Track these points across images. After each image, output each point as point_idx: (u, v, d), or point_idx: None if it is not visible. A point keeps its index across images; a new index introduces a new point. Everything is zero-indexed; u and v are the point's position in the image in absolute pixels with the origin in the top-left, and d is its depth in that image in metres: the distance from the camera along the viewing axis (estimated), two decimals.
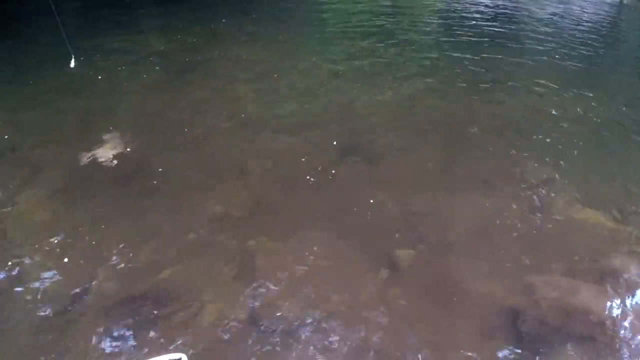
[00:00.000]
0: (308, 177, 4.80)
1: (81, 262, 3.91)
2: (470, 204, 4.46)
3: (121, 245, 4.05)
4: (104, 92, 6.73)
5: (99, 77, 7.12)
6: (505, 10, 11.11)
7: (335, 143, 5.32)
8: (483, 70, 7.40)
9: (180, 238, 4.14)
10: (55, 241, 4.12)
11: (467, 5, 11.29)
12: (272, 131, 5.65)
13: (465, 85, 6.85)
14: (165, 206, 4.52)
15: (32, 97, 6.57)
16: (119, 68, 7.41)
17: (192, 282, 3.72)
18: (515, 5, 11.70)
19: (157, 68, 7.44)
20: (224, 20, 9.81)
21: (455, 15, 10.57)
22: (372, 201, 4.47)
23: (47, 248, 4.06)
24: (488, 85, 6.89)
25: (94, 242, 4.10)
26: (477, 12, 10.77)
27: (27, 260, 3.95)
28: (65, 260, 3.92)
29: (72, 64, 6.37)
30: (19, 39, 9.03)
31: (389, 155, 5.20)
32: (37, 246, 4.08)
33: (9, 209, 4.52)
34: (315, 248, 4.00)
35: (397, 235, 4.11)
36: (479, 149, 5.32)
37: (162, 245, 4.07)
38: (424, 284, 3.70)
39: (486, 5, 11.36)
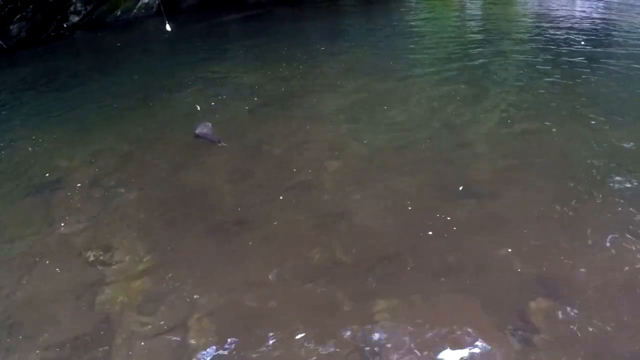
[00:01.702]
0: (421, 223, 4.28)
1: (173, 314, 3.57)
2: (602, 252, 3.85)
3: (217, 297, 3.68)
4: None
5: (197, 108, 6.95)
6: (600, 25, 10.38)
7: (461, 188, 4.70)
8: (588, 93, 6.70)
9: (283, 290, 3.71)
10: (146, 290, 3.82)
11: (558, 25, 10.61)
12: (378, 171, 5.16)
13: (573, 112, 6.19)
14: (263, 252, 4.10)
15: (127, 137, 6.40)
16: (218, 97, 7.23)
17: (302, 345, 3.27)
18: (607, 19, 10.92)
19: (256, 99, 7.14)
20: (321, 48, 9.56)
21: (547, 34, 9.97)
22: (494, 250, 3.94)
23: (137, 296, 3.76)
24: (597, 110, 6.17)
25: (187, 291, 3.75)
26: (570, 29, 10.09)
27: (115, 307, 3.67)
28: (158, 310, 3.59)
29: (168, 27, 6.55)
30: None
31: (506, 197, 4.60)
32: (127, 292, 3.79)
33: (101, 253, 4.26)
34: (437, 305, 3.50)
35: (526, 290, 3.56)
36: (605, 188, 4.63)
37: (263, 298, 3.65)
38: (561, 343, 3.18)
39: (579, 22, 10.67)
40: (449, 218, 4.36)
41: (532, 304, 3.46)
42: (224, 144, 5.83)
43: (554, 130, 5.78)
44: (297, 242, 4.23)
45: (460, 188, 4.74)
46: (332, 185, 5.00)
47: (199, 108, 7.00)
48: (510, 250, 3.95)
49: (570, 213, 4.36)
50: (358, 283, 3.74)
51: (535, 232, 4.15)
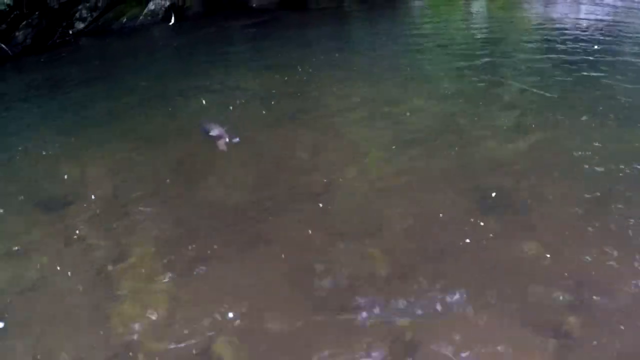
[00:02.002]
0: (452, 232, 4.16)
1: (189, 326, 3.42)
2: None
3: (241, 312, 3.51)
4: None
5: (203, 102, 6.89)
6: (609, 27, 10.36)
7: (494, 194, 4.57)
8: (604, 95, 6.62)
9: (311, 305, 3.54)
10: (166, 303, 3.67)
11: (566, 28, 10.60)
12: (401, 178, 5.01)
13: (591, 114, 6.08)
14: (287, 265, 3.95)
15: (135, 145, 6.21)
16: (230, 107, 7.01)
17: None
18: (615, 21, 10.94)
19: (272, 102, 6.99)
20: (331, 53, 9.41)
21: (556, 37, 9.91)
22: (528, 262, 3.82)
23: (157, 310, 3.61)
24: (615, 112, 6.06)
25: (209, 305, 3.60)
26: (579, 32, 10.03)
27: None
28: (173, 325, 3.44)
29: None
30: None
31: (534, 204, 4.48)
32: (146, 306, 3.64)
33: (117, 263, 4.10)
34: (473, 317, 3.36)
35: (562, 302, 3.43)
36: (632, 192, 4.52)
37: (292, 312, 3.49)
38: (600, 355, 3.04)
39: (587, 24, 10.66)
40: (482, 224, 4.24)
41: (571, 316, 3.32)
42: (236, 140, 5.64)
43: (574, 133, 5.68)
44: (321, 254, 4.07)
45: (493, 194, 4.60)
46: (355, 193, 4.85)
47: (204, 102, 6.96)
48: (546, 258, 3.83)
49: (600, 218, 4.23)
50: (388, 295, 3.58)
51: (569, 240, 4.01)
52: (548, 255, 3.83)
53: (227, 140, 5.62)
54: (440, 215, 4.41)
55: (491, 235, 4.11)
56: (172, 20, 7.18)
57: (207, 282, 3.86)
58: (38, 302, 3.79)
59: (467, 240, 4.05)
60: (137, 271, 4.00)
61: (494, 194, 4.62)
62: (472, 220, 4.28)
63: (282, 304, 3.62)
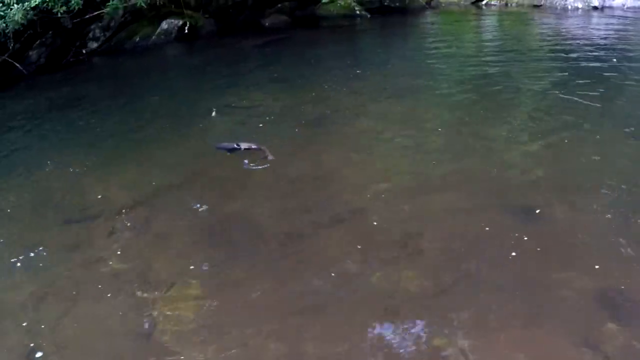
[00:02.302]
0: (483, 246, 4.04)
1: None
2: None
3: (273, 325, 3.39)
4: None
5: (213, 114, 6.87)
6: (623, 39, 10.35)
7: (538, 211, 4.41)
8: (624, 107, 6.59)
9: (342, 322, 3.41)
10: (201, 317, 3.50)
11: (580, 40, 10.57)
12: (428, 194, 4.90)
13: (611, 126, 6.04)
14: (319, 281, 3.81)
15: (153, 158, 6.13)
16: (260, 124, 6.86)
17: None
18: (629, 31, 10.91)
19: (303, 121, 6.86)
20: (351, 71, 9.30)
21: (571, 50, 9.77)
22: (561, 274, 3.69)
23: (191, 323, 3.44)
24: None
25: (241, 319, 3.44)
26: (593, 44, 9.96)
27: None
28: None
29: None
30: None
31: (563, 216, 4.39)
32: (181, 321, 3.49)
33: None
34: (505, 330, 3.24)
35: (597, 313, 3.32)
36: None
37: (322, 329, 3.37)
38: None
39: (601, 36, 10.65)
40: (512, 237, 4.11)
41: (604, 328, 3.19)
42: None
43: (596, 146, 5.58)
44: (354, 269, 3.93)
45: (538, 211, 4.44)
46: (385, 210, 4.69)
47: (214, 114, 6.98)
48: (576, 271, 3.72)
49: (631, 232, 4.09)
50: (422, 311, 3.47)
51: (600, 252, 3.91)
52: (593, 268, 3.71)
53: (267, 152, 5.48)
54: (470, 230, 4.28)
55: (536, 248, 3.98)
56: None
57: (242, 297, 3.71)
58: (67, 316, 3.65)
59: (513, 254, 3.91)
60: (168, 284, 3.87)
61: (538, 211, 4.46)
62: (515, 234, 4.13)
63: (323, 320, 3.48)
